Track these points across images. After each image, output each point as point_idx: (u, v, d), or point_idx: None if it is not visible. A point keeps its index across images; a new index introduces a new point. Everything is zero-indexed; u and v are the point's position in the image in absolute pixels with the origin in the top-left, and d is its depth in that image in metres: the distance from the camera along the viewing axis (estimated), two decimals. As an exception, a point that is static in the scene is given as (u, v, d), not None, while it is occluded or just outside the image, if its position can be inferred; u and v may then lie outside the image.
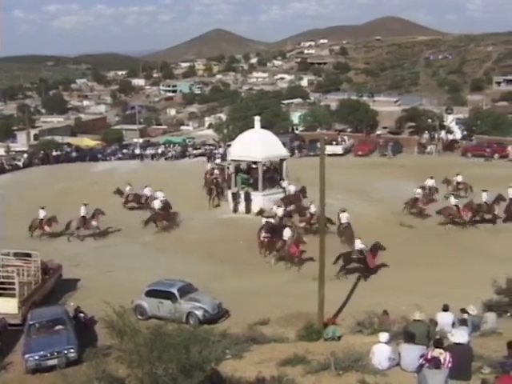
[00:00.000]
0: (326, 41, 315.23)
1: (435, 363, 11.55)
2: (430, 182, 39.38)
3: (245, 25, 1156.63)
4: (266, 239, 31.02)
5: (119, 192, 40.33)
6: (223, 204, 39.02)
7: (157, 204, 36.39)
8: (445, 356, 11.69)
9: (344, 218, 31.82)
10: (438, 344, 12.15)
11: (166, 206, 36.49)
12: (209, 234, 34.14)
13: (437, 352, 11.83)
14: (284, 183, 39.18)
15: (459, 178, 40.87)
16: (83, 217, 34.49)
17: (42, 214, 34.73)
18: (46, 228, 34.67)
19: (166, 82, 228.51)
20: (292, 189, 38.52)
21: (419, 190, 36.94)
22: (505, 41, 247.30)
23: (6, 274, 23.43)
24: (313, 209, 32.91)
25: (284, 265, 29.06)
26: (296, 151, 59.45)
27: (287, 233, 29.83)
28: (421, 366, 11.82)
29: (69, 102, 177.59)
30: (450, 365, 11.59)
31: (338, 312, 21.45)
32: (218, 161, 54.45)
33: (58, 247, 32.24)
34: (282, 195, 38.43)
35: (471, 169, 46.41)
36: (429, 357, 11.85)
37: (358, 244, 27.71)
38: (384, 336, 14.43)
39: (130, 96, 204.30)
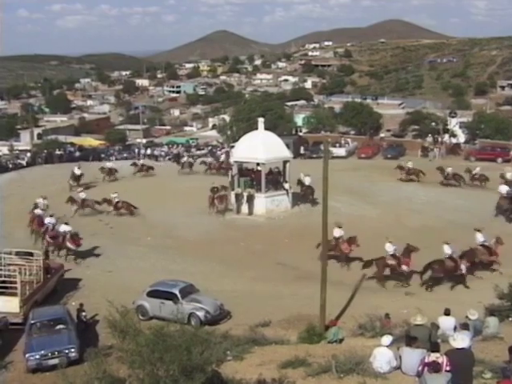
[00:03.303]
0: (330, 43, 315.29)
1: (435, 367, 11.53)
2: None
3: (249, 26, 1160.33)
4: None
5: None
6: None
7: None
8: (442, 360, 11.68)
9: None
10: (435, 348, 12.14)
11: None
12: (211, 235, 34.16)
13: (433, 356, 11.82)
14: (301, 175, 39.62)
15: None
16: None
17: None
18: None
19: (170, 82, 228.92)
20: (307, 180, 39.05)
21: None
22: (509, 45, 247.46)
23: (8, 272, 23.42)
24: None
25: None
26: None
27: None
28: (421, 371, 11.81)
29: (72, 101, 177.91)
30: (447, 368, 11.57)
31: (339, 315, 21.40)
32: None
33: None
34: (285, 197, 38.58)
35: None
36: (426, 361, 11.84)
37: (447, 249, 26.30)
38: (386, 339, 14.40)
39: (133, 96, 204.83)
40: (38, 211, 33.93)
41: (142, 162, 55.45)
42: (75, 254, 30.39)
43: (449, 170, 45.52)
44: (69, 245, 30.37)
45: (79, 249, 30.57)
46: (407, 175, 46.62)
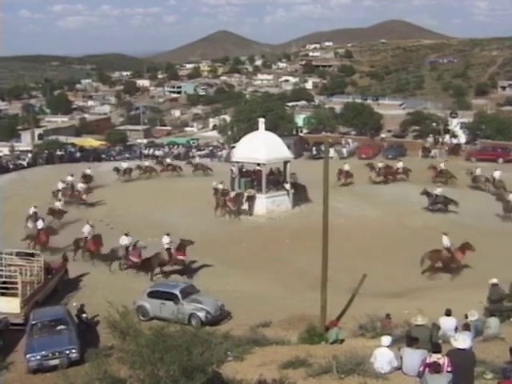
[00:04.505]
0: (331, 43, 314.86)
1: (436, 368, 11.51)
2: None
3: (250, 27, 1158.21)
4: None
5: None
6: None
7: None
8: (443, 361, 11.66)
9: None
10: (436, 349, 12.13)
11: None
12: (211, 235, 34.13)
13: (435, 357, 11.80)
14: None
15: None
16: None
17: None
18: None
19: (170, 83, 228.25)
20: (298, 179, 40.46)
21: None
22: (510, 45, 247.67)
23: (9, 273, 23.43)
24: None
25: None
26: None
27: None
28: (422, 372, 11.79)
29: (73, 102, 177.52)
30: (449, 369, 11.56)
31: (340, 315, 21.40)
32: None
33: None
34: (285, 197, 38.62)
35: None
36: (428, 362, 11.83)
37: None
38: (386, 340, 14.38)
39: (134, 97, 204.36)
40: (86, 229, 31.39)
41: (89, 171, 50.78)
42: (183, 271, 28.13)
43: (380, 165, 48.12)
44: (180, 257, 28.15)
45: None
46: (345, 179, 45.61)
